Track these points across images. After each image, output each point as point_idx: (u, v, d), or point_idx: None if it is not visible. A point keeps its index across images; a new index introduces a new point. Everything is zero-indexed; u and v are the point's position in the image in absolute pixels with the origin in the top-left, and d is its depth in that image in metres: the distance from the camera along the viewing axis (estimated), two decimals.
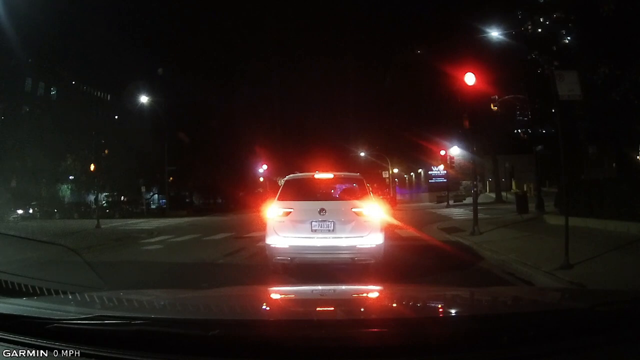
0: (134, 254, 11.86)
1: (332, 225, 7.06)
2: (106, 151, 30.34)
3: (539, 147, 20.92)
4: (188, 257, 10.54)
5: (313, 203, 7.31)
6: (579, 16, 16.86)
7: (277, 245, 7.13)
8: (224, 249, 11.40)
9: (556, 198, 16.73)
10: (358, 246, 6.99)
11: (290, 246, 7.06)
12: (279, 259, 7.21)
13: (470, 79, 12.60)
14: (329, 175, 8.37)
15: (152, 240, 14.98)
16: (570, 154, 11.99)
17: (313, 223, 7.06)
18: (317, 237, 7.06)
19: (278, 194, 7.72)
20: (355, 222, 7.12)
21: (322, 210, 7.09)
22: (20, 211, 31.52)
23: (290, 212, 7.21)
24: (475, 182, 15.61)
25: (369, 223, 7.11)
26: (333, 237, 7.05)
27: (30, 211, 32.84)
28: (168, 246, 13.09)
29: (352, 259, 7.06)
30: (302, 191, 7.76)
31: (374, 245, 7.00)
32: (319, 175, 8.31)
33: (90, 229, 19.25)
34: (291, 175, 8.73)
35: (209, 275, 7.93)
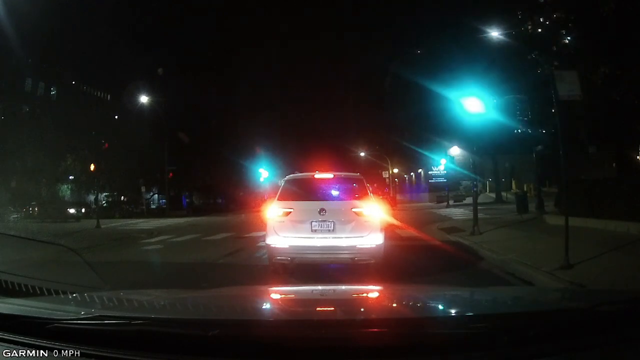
0: (134, 254, 11.84)
1: (332, 225, 7.07)
2: (106, 145, 30.01)
3: (539, 147, 20.85)
4: (188, 257, 10.53)
5: (313, 203, 7.30)
6: (579, 16, 16.85)
7: (277, 245, 7.13)
8: (224, 249, 11.39)
9: (556, 198, 16.73)
10: (358, 246, 6.99)
11: (290, 246, 7.05)
12: (279, 259, 7.20)
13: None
14: (329, 175, 8.38)
15: (152, 240, 14.97)
16: (570, 154, 11.98)
17: (313, 223, 7.07)
18: (317, 237, 7.06)
19: (278, 194, 7.75)
20: (355, 222, 7.12)
21: (322, 211, 7.10)
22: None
23: (290, 212, 7.21)
24: (475, 182, 15.60)
25: (369, 223, 7.11)
26: (333, 237, 7.05)
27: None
28: (168, 246, 13.08)
29: (353, 259, 7.05)
30: (302, 191, 7.76)
31: (374, 246, 7.00)
32: (318, 175, 8.34)
33: (90, 229, 19.24)
34: (291, 175, 8.80)
35: (209, 275, 7.94)
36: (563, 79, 7.18)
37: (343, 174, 8.86)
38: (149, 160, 37.41)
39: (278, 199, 7.52)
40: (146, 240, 14.87)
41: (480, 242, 10.67)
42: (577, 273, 6.32)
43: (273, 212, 7.34)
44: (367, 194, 7.68)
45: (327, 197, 7.81)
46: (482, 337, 1.70)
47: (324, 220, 7.08)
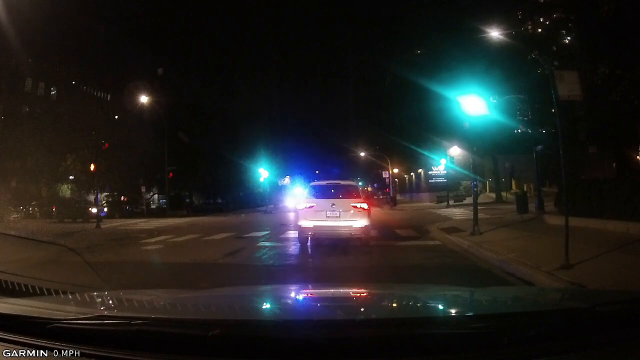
0: (134, 254, 11.80)
1: (339, 213, 11.34)
2: (106, 145, 29.58)
3: (539, 147, 20.78)
4: (188, 257, 10.52)
5: (327, 200, 11.64)
6: (579, 16, 16.86)
7: (306, 226, 11.55)
8: (224, 249, 11.41)
9: (556, 198, 16.67)
10: (354, 226, 11.27)
11: (314, 226, 11.43)
12: (308, 234, 11.64)
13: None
14: (337, 183, 13.23)
15: (152, 240, 14.91)
16: (570, 154, 11.93)
17: (327, 212, 11.37)
18: (329, 221, 11.36)
19: (306, 194, 12.54)
20: (352, 211, 11.34)
21: (332, 205, 11.43)
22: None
23: (313, 205, 11.61)
24: (475, 182, 15.54)
25: (361, 213, 11.36)
26: (339, 221, 11.34)
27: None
28: (168, 246, 13.05)
29: (350, 233, 11.32)
30: (320, 193, 12.31)
31: (363, 226, 11.25)
32: (330, 183, 13.15)
33: (90, 229, 19.23)
34: (313, 182, 13.63)
35: (209, 276, 7.94)
36: (563, 79, 7.16)
37: (344, 182, 13.88)
38: (149, 160, 37.37)
39: (306, 198, 12.16)
40: (146, 240, 14.81)
41: (481, 242, 10.63)
42: (577, 273, 6.30)
43: (302, 205, 11.91)
44: (360, 195, 12.33)
45: (335, 196, 11.96)
46: (482, 337, 1.70)
47: (334, 211, 11.36)
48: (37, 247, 10.24)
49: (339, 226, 11.25)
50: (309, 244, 11.87)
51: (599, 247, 8.21)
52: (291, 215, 23.04)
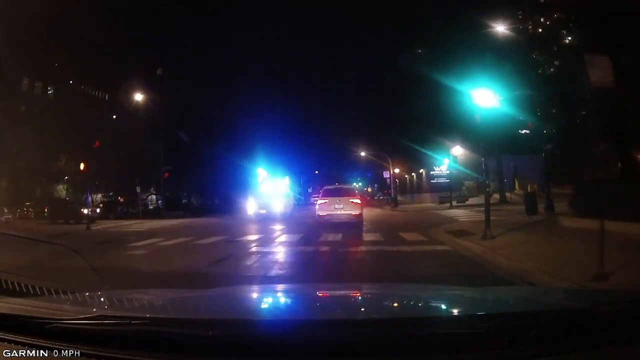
0: (114, 259, 10.49)
1: (342, 206, 18.26)
2: (97, 143, 28.95)
3: (549, 146, 20.29)
4: (171, 264, 9.69)
5: (335, 198, 18.67)
6: (580, 16, 16.78)
7: (322, 214, 18.40)
8: (212, 256, 10.56)
9: (571, 198, 15.93)
10: (352, 214, 18.14)
11: (327, 214, 18.29)
12: (324, 219, 18.05)
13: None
14: (341, 187, 21.55)
15: (139, 244, 13.89)
16: (579, 153, 11.41)
17: (335, 205, 18.30)
18: (337, 211, 18.17)
19: (321, 193, 19.98)
20: (350, 205, 18.29)
21: (338, 200, 18.42)
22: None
23: (327, 201, 18.64)
24: (487, 182, 14.43)
25: (356, 206, 18.45)
26: (342, 211, 18.19)
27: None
28: (153, 251, 12.11)
29: (349, 218, 17.83)
30: (331, 193, 19.42)
31: (358, 214, 18.35)
32: (336, 187, 20.95)
33: (79, 231, 18.96)
34: (326, 186, 20.87)
35: (190, 287, 7.34)
36: (595, 64, 6.34)
37: (345, 186, 25.54)
38: (145, 160, 37.15)
39: (321, 197, 19.44)
40: (132, 244, 13.87)
41: (494, 247, 9.70)
42: (616, 285, 5.39)
43: (320, 201, 19.10)
44: (356, 194, 20.02)
45: (340, 195, 18.99)
46: (483, 337, 1.70)
47: (340, 204, 18.27)
48: (37, 246, 9.96)
49: (342, 214, 18.04)
50: (314, 243, 13.17)
51: (627, 252, 7.28)
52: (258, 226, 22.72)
